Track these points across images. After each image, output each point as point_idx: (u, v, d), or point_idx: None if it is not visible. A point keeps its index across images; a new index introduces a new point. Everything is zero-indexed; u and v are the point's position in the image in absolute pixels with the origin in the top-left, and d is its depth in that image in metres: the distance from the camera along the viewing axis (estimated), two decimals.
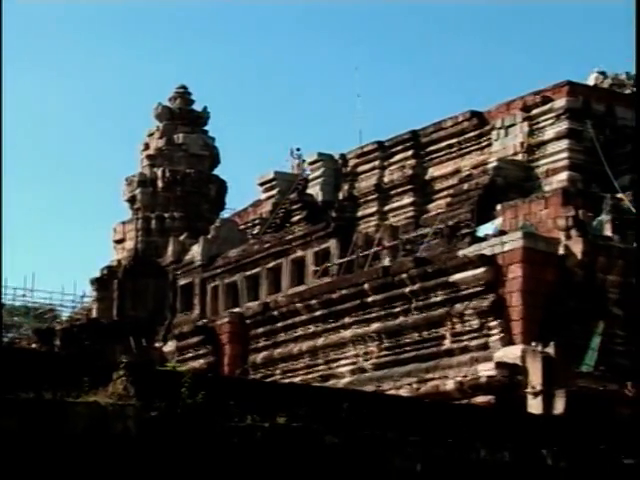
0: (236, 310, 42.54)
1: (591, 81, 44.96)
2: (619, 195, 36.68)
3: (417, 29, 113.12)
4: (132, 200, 53.43)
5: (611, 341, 32.41)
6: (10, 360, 15.01)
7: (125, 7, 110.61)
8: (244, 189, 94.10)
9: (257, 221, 48.76)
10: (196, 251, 47.45)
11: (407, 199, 43.58)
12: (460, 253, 33.98)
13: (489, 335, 32.29)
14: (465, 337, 32.92)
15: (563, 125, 39.37)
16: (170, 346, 43.66)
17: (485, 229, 36.08)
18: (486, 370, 30.73)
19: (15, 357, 15.59)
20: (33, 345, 46.51)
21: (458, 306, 33.24)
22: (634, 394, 30.04)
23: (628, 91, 44.43)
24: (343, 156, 47.02)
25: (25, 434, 13.98)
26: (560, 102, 39.67)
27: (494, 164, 40.07)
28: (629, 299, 33.22)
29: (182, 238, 49.70)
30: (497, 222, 36.27)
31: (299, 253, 42.58)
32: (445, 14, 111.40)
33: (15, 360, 15.15)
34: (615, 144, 39.51)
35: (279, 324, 39.65)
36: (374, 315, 35.86)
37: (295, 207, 45.24)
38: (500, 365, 30.43)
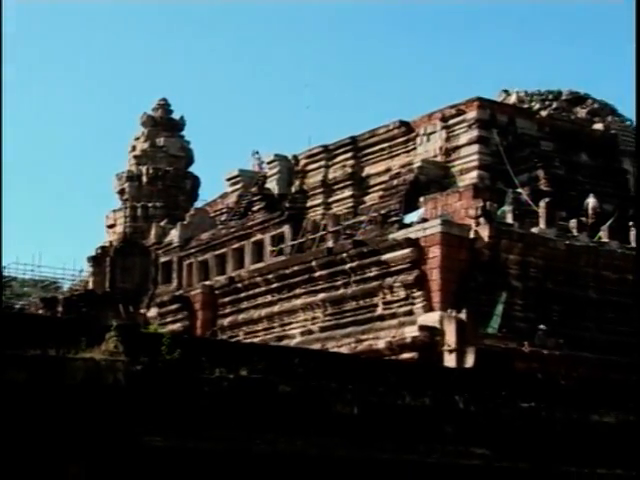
0: (207, 283, 42.39)
1: (497, 97, 45.16)
2: (519, 190, 36.90)
3: (356, 51, 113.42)
4: (121, 192, 53.21)
5: (511, 308, 32.59)
6: (20, 323, 14.92)
7: (115, 25, 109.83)
8: (214, 183, 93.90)
9: (224, 210, 48.60)
10: (174, 234, 47.26)
11: (347, 192, 43.57)
12: (390, 237, 34.04)
13: (413, 303, 32.37)
14: (394, 305, 32.99)
15: (474, 133, 39.47)
16: (153, 312, 43.48)
17: (411, 217, 36.17)
18: (411, 332, 30.80)
19: (25, 321, 15.49)
20: (40, 311, 46.14)
21: (388, 280, 33.30)
22: (529, 351, 30.25)
23: (526, 106, 44.66)
24: (295, 157, 46.91)
25: (33, 384, 13.90)
26: (472, 114, 39.78)
27: (418, 164, 40.14)
28: (526, 274, 33.46)
29: (163, 224, 49.54)
30: (420, 211, 36.37)
31: (259, 236, 42.49)
32: (378, 41, 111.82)
33: (25, 323, 15.06)
34: (516, 149, 39.68)
35: (242, 294, 39.58)
36: (320, 287, 35.86)
37: (255, 199, 45.12)
38: (422, 328, 30.51)
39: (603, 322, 34.07)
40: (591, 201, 37.50)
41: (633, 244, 36.33)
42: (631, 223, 37.06)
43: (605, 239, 35.77)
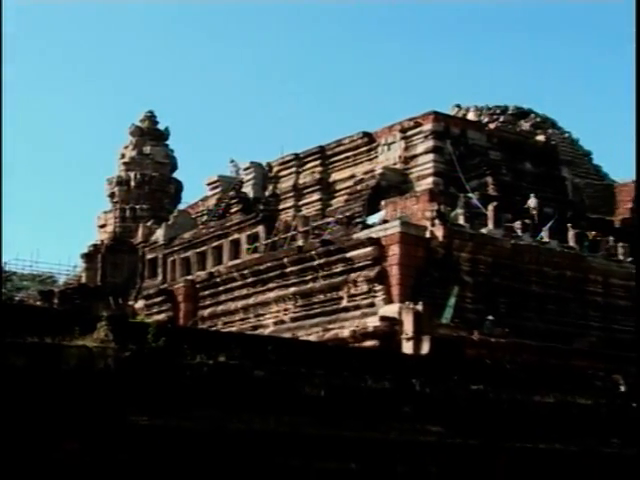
0: (189, 277, 42.31)
1: (450, 111, 45.34)
2: (469, 194, 37.06)
3: (324, 67, 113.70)
4: (112, 195, 53.07)
5: (463, 301, 32.75)
6: (20, 314, 14.85)
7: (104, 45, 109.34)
8: (195, 188, 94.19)
9: (205, 212, 48.50)
10: (159, 234, 47.12)
11: (316, 196, 43.59)
12: (354, 236, 34.11)
13: (375, 296, 32.45)
14: (357, 298, 33.05)
15: (429, 143, 39.60)
16: (140, 304, 43.34)
17: (373, 218, 36.24)
18: (373, 322, 30.90)
19: (24, 312, 15.42)
20: (37, 303, 45.88)
21: (352, 275, 33.36)
22: (478, 339, 30.40)
23: (476, 119, 44.87)
24: (269, 164, 46.87)
25: (31, 369, 13.84)
26: (428, 126, 39.90)
27: (380, 171, 40.22)
28: (476, 270, 33.61)
29: (149, 224, 49.39)
30: (381, 213, 36.45)
31: (236, 235, 42.44)
32: (344, 58, 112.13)
33: (24, 314, 15.00)
34: (467, 157, 39.85)
35: (221, 288, 39.53)
36: (291, 281, 35.88)
37: (233, 202, 45.07)
38: (383, 318, 30.60)
39: (544, 313, 34.32)
40: (532, 201, 38.00)
41: (571, 243, 36.68)
42: (569, 225, 37.40)
43: (546, 239, 36.03)
